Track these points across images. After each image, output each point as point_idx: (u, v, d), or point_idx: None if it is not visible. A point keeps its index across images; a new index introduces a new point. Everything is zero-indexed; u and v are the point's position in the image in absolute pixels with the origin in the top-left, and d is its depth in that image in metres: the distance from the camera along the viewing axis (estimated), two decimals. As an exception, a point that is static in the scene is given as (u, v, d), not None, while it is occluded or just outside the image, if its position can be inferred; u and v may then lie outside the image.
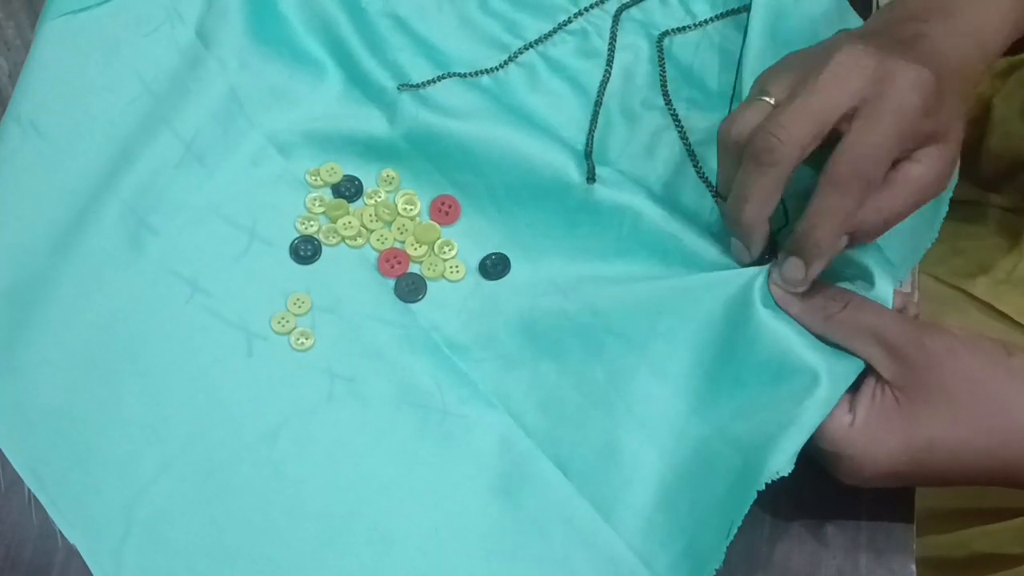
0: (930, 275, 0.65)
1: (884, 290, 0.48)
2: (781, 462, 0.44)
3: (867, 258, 0.48)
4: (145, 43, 0.57)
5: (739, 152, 0.45)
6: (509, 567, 0.48)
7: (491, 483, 0.49)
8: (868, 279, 0.48)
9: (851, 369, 0.45)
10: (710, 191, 0.54)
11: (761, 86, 0.46)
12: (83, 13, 0.57)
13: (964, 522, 0.62)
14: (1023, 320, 0.63)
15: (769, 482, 0.44)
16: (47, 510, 0.48)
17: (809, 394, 0.44)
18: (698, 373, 0.49)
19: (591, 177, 0.52)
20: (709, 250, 0.51)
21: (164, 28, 0.57)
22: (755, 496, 0.44)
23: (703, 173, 0.54)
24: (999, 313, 0.63)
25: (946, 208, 0.52)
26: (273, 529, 0.48)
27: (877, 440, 0.44)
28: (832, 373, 0.45)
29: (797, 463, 0.45)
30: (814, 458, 0.46)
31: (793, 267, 0.46)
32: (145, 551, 0.47)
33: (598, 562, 0.48)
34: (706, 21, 0.59)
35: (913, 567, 0.48)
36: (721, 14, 0.58)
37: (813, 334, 0.47)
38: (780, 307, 0.47)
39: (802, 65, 0.45)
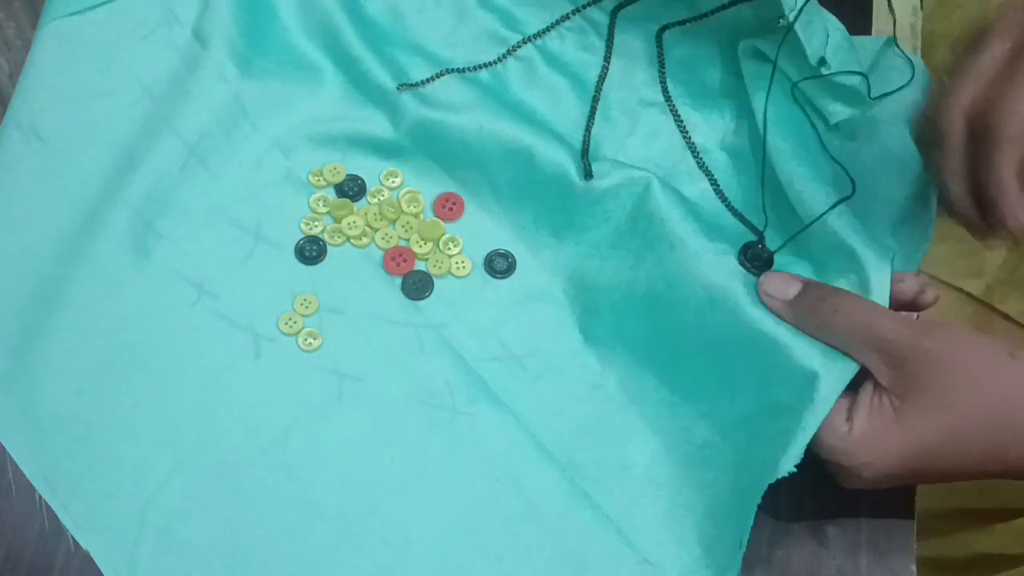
0: (931, 275, 0.65)
1: (878, 280, 0.47)
2: (785, 466, 0.44)
3: (857, 245, 0.48)
4: (143, 45, 0.57)
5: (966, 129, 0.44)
6: (522, 565, 0.48)
7: (503, 483, 0.50)
8: (859, 271, 0.47)
9: (848, 368, 0.45)
10: (712, 185, 0.54)
11: (964, 63, 0.44)
12: (81, 16, 0.57)
13: (965, 523, 0.63)
14: (1024, 321, 0.63)
15: (772, 482, 0.44)
16: (58, 515, 0.48)
17: (808, 397, 0.44)
18: (703, 378, 0.49)
19: (588, 174, 0.52)
20: (707, 225, 0.51)
21: (161, 30, 0.57)
22: (759, 501, 0.45)
23: (703, 163, 0.55)
24: (1000, 314, 0.63)
25: (935, 214, 0.52)
26: (287, 530, 0.48)
27: (875, 449, 0.43)
28: (830, 373, 0.45)
29: (799, 464, 0.45)
30: (814, 459, 0.46)
31: (775, 282, 0.47)
32: (159, 554, 0.48)
33: (609, 563, 0.48)
34: (707, 14, 0.58)
35: (913, 567, 0.48)
36: (723, 5, 0.58)
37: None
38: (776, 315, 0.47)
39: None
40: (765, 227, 0.51)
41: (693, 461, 0.49)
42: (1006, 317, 0.63)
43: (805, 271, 0.49)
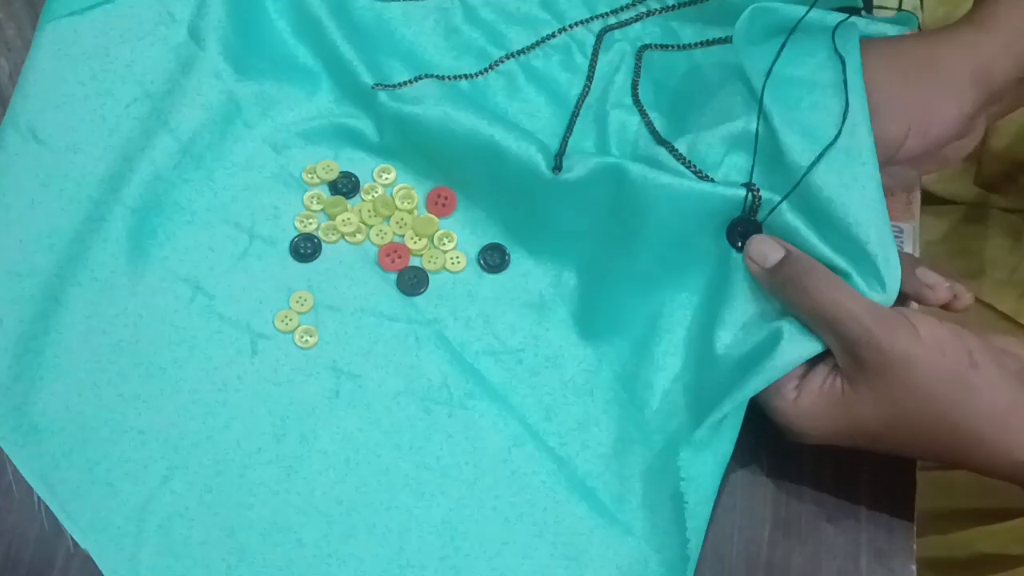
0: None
1: (890, 275, 0.46)
2: (711, 419, 0.45)
3: (871, 237, 0.46)
4: (140, 46, 0.57)
5: None
6: (522, 558, 0.48)
7: (502, 477, 0.50)
8: (870, 265, 0.46)
9: (812, 347, 0.45)
10: (687, 165, 0.52)
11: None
12: (79, 16, 0.57)
13: (965, 523, 0.62)
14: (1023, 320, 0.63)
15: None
16: (58, 517, 0.48)
17: (764, 363, 0.45)
18: (696, 363, 0.50)
19: (557, 167, 0.51)
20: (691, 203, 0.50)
21: (158, 30, 0.57)
22: (716, 482, 0.46)
23: (674, 148, 0.53)
24: (1000, 314, 0.63)
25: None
26: (286, 527, 0.48)
27: (816, 423, 0.44)
28: (793, 340, 0.45)
29: (798, 463, 0.45)
30: (813, 456, 0.46)
31: (760, 247, 0.47)
32: (159, 554, 0.48)
33: (609, 551, 0.48)
34: (690, 46, 0.58)
35: (913, 568, 0.48)
36: (706, 41, 0.58)
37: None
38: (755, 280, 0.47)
39: None
40: (751, 178, 0.50)
41: (686, 447, 0.49)
42: (1005, 317, 0.63)
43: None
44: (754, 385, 0.45)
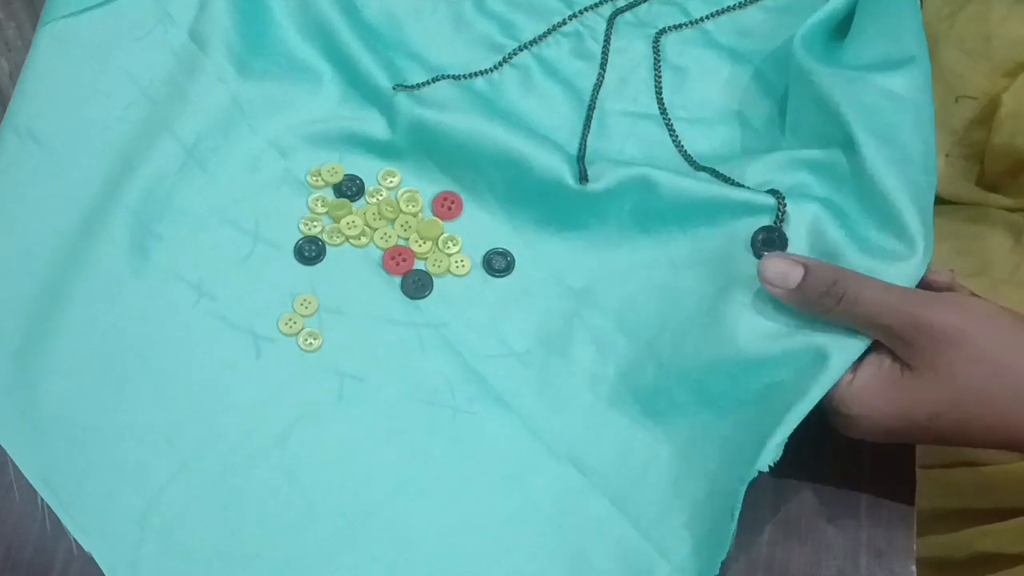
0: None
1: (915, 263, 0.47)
2: (779, 435, 0.45)
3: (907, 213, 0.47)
4: (138, 47, 0.56)
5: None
6: (526, 562, 0.48)
7: (505, 480, 0.50)
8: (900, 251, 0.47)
9: (859, 345, 0.45)
10: (713, 175, 0.53)
11: None
12: (77, 17, 0.56)
13: (965, 522, 0.62)
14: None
15: (768, 468, 0.45)
16: (60, 518, 0.48)
17: (816, 373, 0.45)
18: (704, 364, 0.49)
19: (583, 178, 0.52)
20: (716, 213, 0.50)
21: (156, 31, 0.56)
22: (755, 475, 0.45)
23: (699, 165, 0.54)
24: (1001, 312, 0.63)
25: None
26: (288, 531, 0.48)
27: (875, 405, 0.44)
28: (840, 349, 0.45)
29: (798, 463, 0.45)
30: (815, 455, 0.46)
31: (776, 268, 0.46)
32: (160, 557, 0.48)
33: (615, 554, 0.48)
34: (702, 19, 0.58)
35: (913, 568, 0.48)
36: (718, 11, 0.58)
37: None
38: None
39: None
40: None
41: (694, 447, 0.49)
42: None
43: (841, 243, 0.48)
44: (810, 400, 0.45)
